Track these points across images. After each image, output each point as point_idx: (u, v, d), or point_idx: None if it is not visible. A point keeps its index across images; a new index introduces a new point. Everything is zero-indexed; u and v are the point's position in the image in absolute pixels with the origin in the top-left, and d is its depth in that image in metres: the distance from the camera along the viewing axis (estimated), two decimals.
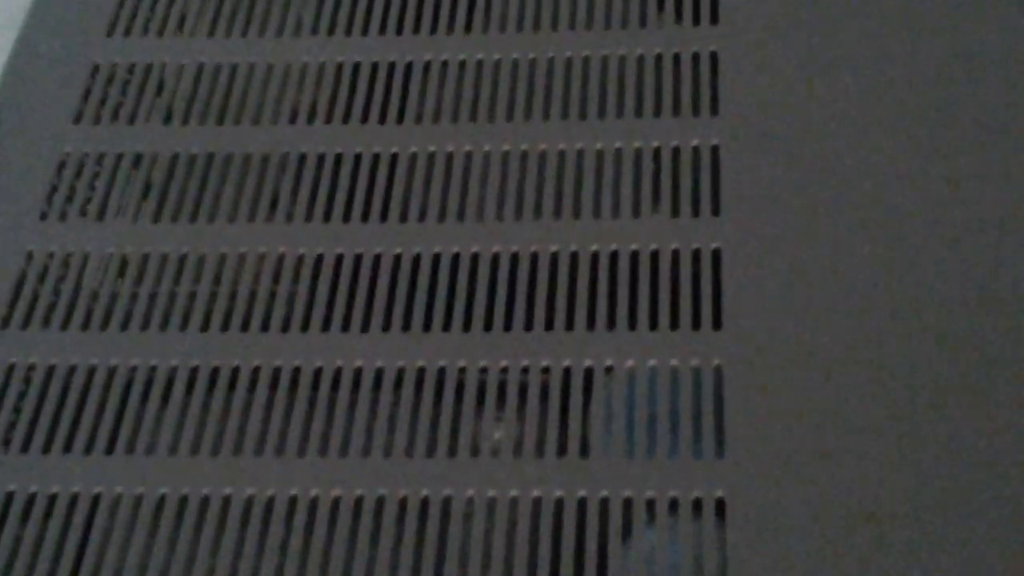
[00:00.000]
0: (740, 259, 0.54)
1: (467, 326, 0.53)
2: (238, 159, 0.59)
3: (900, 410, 0.49)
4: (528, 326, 0.53)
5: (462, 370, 0.52)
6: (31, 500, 0.50)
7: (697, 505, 0.48)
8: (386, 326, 0.54)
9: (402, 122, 0.60)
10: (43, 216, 0.58)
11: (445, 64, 0.62)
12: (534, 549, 0.48)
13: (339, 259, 0.56)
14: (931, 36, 0.60)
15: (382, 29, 0.64)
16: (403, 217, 0.57)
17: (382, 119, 0.60)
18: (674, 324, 0.52)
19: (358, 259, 0.56)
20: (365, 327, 0.54)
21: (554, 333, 0.52)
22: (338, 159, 0.59)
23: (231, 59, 0.63)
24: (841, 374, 0.50)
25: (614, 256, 0.54)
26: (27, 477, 0.51)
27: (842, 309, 0.52)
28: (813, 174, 0.56)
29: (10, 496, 0.51)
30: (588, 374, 0.52)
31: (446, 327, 0.53)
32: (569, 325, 0.53)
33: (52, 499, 0.50)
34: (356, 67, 0.62)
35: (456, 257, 0.55)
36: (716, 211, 0.55)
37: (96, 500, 0.50)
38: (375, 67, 0.62)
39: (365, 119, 0.60)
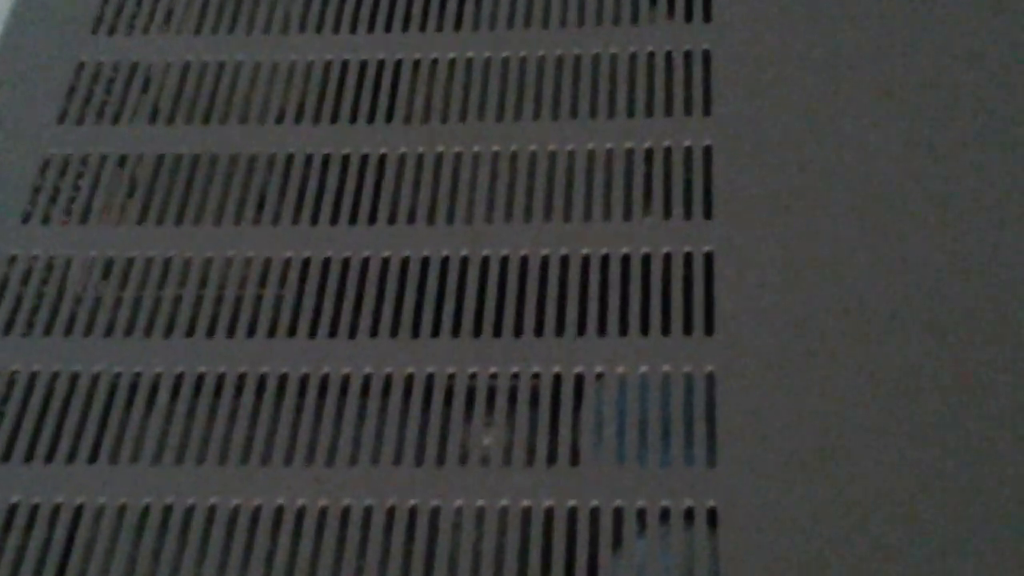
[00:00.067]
0: (733, 263, 0.53)
1: (456, 331, 0.53)
2: (224, 160, 0.59)
3: (893, 417, 0.49)
4: (518, 331, 0.52)
5: (451, 376, 0.51)
6: (12, 510, 0.50)
7: (689, 514, 0.47)
8: (374, 332, 0.53)
9: (391, 122, 0.59)
10: (26, 218, 0.58)
11: (435, 63, 0.61)
12: (524, 559, 0.47)
13: (326, 263, 0.55)
14: (926, 34, 0.59)
15: (371, 27, 0.63)
16: (391, 220, 0.56)
17: (371, 119, 0.60)
18: (666, 329, 0.52)
19: (346, 263, 0.55)
20: (353, 333, 0.53)
21: (544, 339, 0.52)
22: (326, 160, 0.58)
23: (218, 57, 0.62)
24: (835, 381, 0.50)
25: (605, 260, 0.54)
26: (8, 487, 0.50)
27: (836, 314, 0.51)
28: (807, 176, 0.55)
29: None
30: (578, 380, 0.51)
31: (435, 332, 0.53)
32: (559, 330, 0.52)
33: (34, 509, 0.50)
34: (344, 65, 0.61)
35: (445, 261, 0.54)
36: (708, 214, 0.55)
37: (79, 510, 0.50)
38: (363, 65, 0.61)
39: (354, 119, 0.60)
